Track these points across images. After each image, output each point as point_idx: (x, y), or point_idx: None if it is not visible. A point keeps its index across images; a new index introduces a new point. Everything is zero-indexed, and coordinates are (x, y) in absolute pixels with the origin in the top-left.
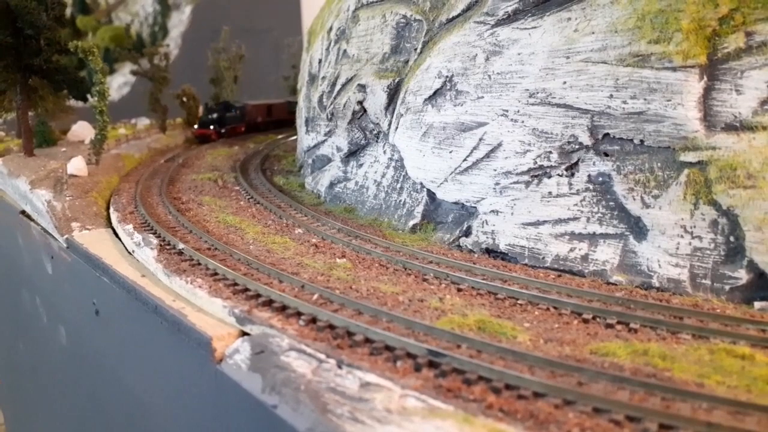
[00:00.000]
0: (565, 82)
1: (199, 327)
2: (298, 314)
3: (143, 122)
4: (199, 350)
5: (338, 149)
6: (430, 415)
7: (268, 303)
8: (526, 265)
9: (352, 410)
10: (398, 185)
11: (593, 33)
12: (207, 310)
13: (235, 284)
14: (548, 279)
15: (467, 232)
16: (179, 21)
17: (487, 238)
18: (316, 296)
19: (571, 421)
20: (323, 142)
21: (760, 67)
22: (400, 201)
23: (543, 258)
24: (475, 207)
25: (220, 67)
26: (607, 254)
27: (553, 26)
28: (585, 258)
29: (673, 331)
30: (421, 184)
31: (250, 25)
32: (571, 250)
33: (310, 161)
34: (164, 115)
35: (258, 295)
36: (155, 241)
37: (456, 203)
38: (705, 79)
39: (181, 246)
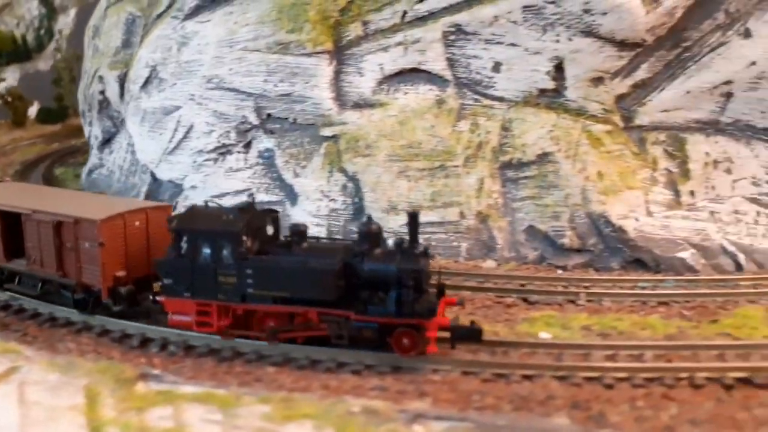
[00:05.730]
0: (231, 69)
1: None
2: None
3: None
4: None
5: (95, 138)
6: None
7: None
8: None
9: None
10: (134, 168)
11: (248, 24)
12: None
13: None
14: None
15: (175, 207)
16: (65, 24)
17: None
18: None
19: None
20: (90, 132)
21: (375, 51)
22: (133, 183)
23: None
24: (182, 183)
25: (58, 68)
26: None
27: (220, 19)
28: None
29: None
30: (146, 165)
31: None
32: None
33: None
34: None
35: None
36: None
37: (170, 181)
38: (335, 63)
39: None
